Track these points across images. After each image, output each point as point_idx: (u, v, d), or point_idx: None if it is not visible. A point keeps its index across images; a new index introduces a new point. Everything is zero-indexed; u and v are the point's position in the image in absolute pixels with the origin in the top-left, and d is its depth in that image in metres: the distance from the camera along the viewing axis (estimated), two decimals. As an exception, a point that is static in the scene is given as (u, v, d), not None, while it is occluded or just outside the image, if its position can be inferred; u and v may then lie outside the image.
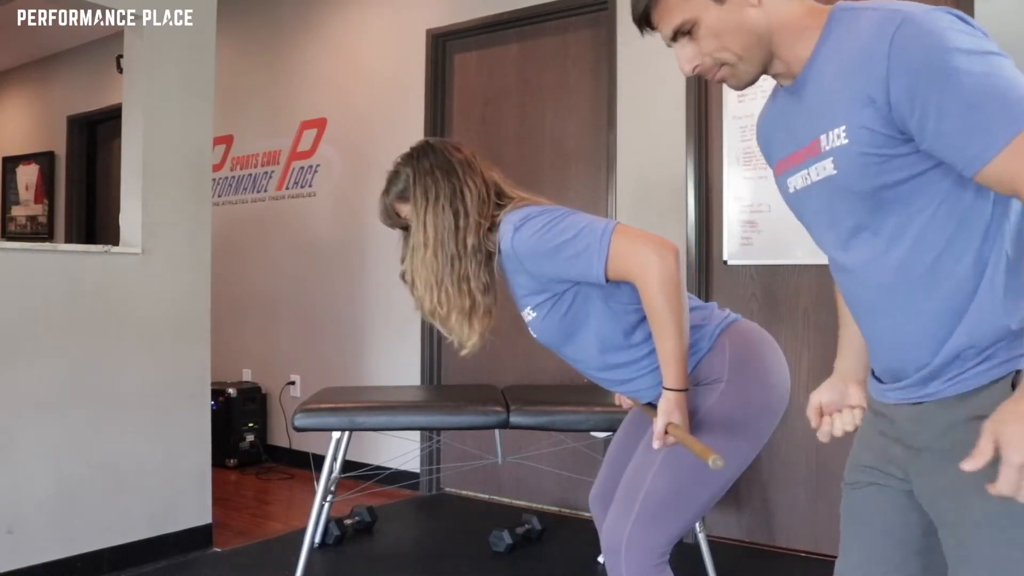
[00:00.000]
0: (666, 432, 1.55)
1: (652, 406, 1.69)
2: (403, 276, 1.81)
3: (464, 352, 1.76)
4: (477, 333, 1.73)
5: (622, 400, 1.94)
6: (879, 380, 1.20)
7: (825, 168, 1.08)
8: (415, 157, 1.80)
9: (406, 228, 1.83)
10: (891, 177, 1.03)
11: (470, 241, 1.71)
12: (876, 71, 0.99)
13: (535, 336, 1.76)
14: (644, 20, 1.17)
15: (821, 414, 1.34)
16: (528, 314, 1.73)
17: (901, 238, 1.06)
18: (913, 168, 1.02)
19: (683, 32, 1.14)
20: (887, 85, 0.98)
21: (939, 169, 1.02)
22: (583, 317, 1.68)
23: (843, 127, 1.04)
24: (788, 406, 1.71)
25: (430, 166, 1.77)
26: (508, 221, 1.68)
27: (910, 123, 0.99)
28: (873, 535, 1.20)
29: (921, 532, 1.15)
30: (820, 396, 1.35)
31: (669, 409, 1.55)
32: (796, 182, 1.17)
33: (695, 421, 1.61)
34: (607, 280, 1.58)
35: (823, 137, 1.08)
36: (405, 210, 1.80)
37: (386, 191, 1.83)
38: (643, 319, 1.66)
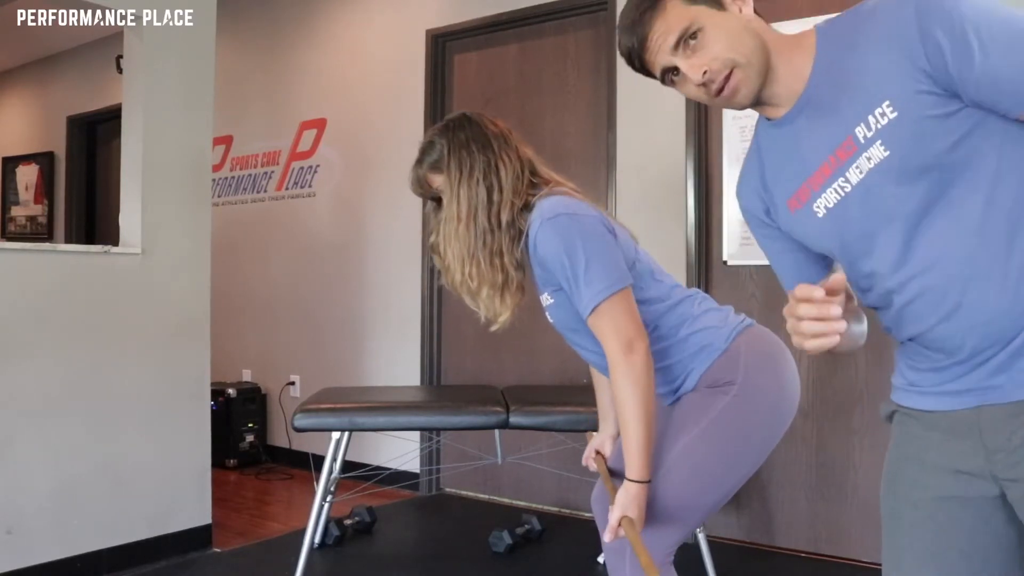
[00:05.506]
0: (620, 525, 1.49)
1: (613, 474, 1.68)
2: (433, 248, 1.79)
3: (494, 327, 1.74)
4: (509, 308, 1.71)
5: (588, 462, 1.89)
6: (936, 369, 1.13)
7: (873, 156, 1.05)
8: (451, 128, 1.77)
9: (437, 199, 1.81)
10: (948, 139, 1.01)
11: (504, 216, 1.68)
12: (909, 34, 1.00)
13: (551, 321, 1.76)
14: (641, 44, 1.18)
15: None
16: (546, 299, 1.72)
17: (972, 201, 1.02)
18: (965, 124, 1.01)
19: (689, 37, 1.12)
20: (923, 43, 0.99)
21: (989, 123, 1.01)
22: None
23: (886, 102, 1.03)
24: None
25: (466, 139, 1.74)
26: (540, 209, 1.66)
27: (952, 72, 0.98)
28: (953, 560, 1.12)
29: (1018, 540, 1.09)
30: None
31: (627, 502, 1.50)
32: (826, 201, 1.13)
33: (706, 422, 1.59)
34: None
35: (859, 128, 1.06)
36: (438, 181, 1.77)
37: (419, 161, 1.79)
38: (654, 318, 1.67)
